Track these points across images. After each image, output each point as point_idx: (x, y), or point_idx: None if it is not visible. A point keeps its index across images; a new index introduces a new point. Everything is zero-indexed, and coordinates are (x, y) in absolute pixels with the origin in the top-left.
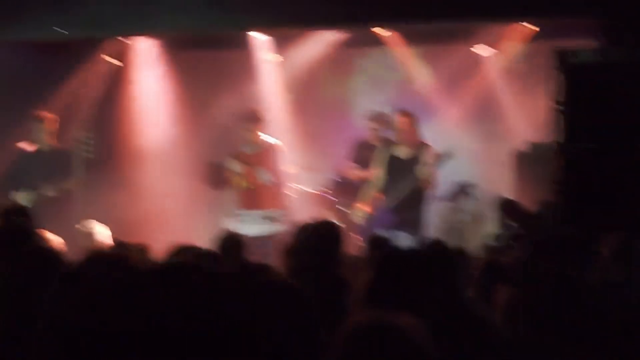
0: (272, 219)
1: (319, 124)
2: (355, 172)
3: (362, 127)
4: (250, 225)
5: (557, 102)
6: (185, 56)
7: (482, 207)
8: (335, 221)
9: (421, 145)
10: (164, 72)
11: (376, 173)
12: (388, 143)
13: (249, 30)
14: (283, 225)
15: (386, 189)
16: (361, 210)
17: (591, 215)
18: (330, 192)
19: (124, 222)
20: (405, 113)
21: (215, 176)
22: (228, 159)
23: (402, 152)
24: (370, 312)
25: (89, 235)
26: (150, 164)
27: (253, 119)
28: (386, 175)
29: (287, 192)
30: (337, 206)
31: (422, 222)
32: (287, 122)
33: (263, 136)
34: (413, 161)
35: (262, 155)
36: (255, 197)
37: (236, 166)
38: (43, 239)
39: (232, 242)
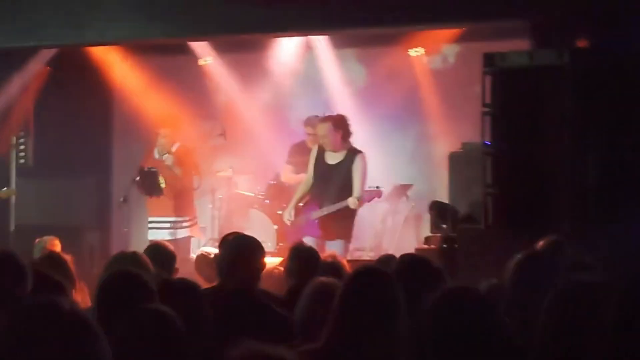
0: (179, 225)
1: (254, 126)
2: (290, 176)
3: (297, 130)
4: (159, 232)
5: (485, 105)
6: (124, 62)
7: (416, 208)
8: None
9: (350, 151)
10: (101, 79)
11: (306, 177)
12: (320, 148)
13: (177, 40)
14: (193, 229)
15: (314, 194)
16: (289, 214)
17: (518, 218)
18: (264, 195)
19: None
20: (326, 119)
21: (147, 183)
22: (156, 165)
23: (331, 157)
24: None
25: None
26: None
27: (168, 124)
28: (314, 180)
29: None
30: (278, 212)
31: (350, 232)
32: (222, 125)
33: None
34: (341, 166)
35: (176, 161)
36: (167, 203)
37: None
38: None
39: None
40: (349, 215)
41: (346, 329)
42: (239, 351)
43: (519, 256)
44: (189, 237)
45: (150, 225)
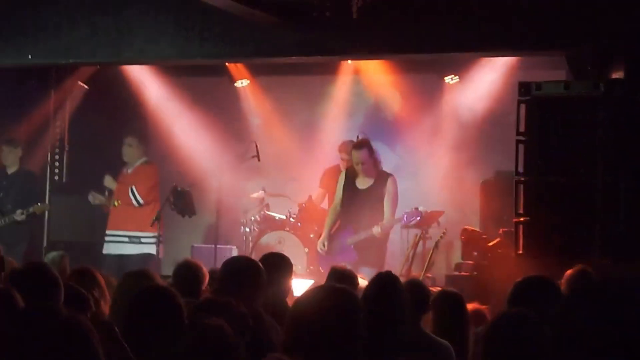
0: (139, 241)
1: (288, 149)
2: (322, 200)
3: (331, 154)
4: (116, 245)
5: (519, 133)
6: (160, 82)
7: (447, 235)
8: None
9: (381, 175)
10: (136, 98)
11: (334, 203)
12: (350, 172)
13: (217, 61)
14: (153, 248)
15: (346, 220)
16: (322, 244)
17: (549, 247)
18: (296, 218)
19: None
20: (360, 145)
21: (180, 202)
22: (106, 176)
23: (361, 182)
24: None
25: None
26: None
27: (134, 135)
28: (345, 205)
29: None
30: (310, 235)
31: (382, 259)
32: (256, 147)
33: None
34: (372, 191)
35: (137, 175)
36: (124, 217)
37: (111, 184)
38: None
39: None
40: (381, 241)
41: None
42: None
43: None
44: (149, 255)
45: (108, 238)
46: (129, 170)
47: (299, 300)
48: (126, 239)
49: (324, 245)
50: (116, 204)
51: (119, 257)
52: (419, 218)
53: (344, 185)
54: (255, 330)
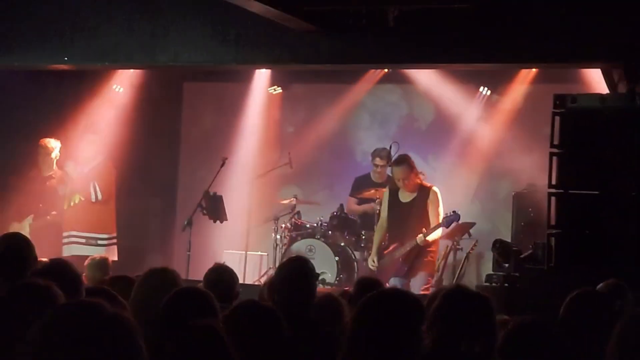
0: (97, 242)
1: (320, 157)
2: (354, 208)
3: (363, 162)
4: (76, 246)
5: (553, 145)
6: (190, 87)
7: (478, 246)
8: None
9: (423, 188)
10: (172, 103)
11: (380, 221)
12: (393, 188)
13: (251, 66)
14: (110, 249)
15: (393, 235)
16: (372, 260)
17: (582, 260)
18: (327, 226)
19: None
20: (400, 161)
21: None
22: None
23: (404, 195)
24: None
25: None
26: (152, 193)
27: (92, 132)
28: (391, 220)
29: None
30: (340, 243)
31: (432, 265)
32: (288, 155)
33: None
34: (415, 203)
35: (95, 173)
36: (82, 217)
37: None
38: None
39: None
40: (429, 250)
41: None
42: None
43: (573, 293)
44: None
45: (66, 240)
46: (86, 170)
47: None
48: (83, 240)
49: (374, 261)
50: (72, 202)
51: (79, 257)
52: (458, 220)
53: (388, 202)
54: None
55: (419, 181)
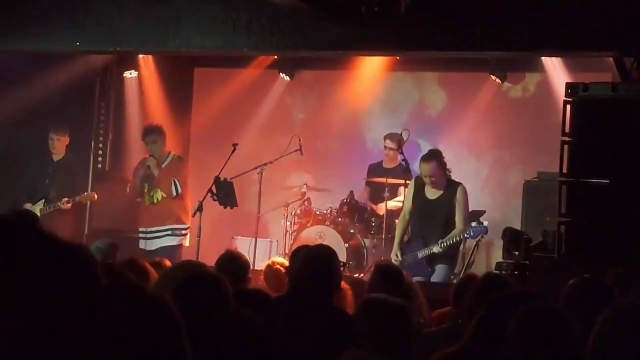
0: (174, 233)
1: (331, 144)
2: (365, 195)
3: (374, 150)
4: (153, 241)
5: (564, 134)
6: (199, 72)
7: (488, 234)
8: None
9: (451, 184)
10: (174, 87)
11: (402, 212)
12: (419, 180)
13: (262, 53)
14: (184, 238)
15: (417, 231)
16: (395, 254)
17: (592, 249)
18: (338, 213)
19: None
20: (429, 157)
21: (223, 193)
22: (136, 179)
23: (430, 192)
24: None
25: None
26: None
27: (155, 132)
28: (415, 215)
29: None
30: (350, 230)
31: (455, 257)
32: (299, 141)
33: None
34: (442, 201)
35: (169, 169)
36: (158, 212)
37: (142, 182)
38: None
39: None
40: (454, 245)
41: None
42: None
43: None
44: (180, 245)
45: (144, 235)
46: (163, 165)
47: None
48: (169, 232)
49: (397, 256)
50: (155, 200)
51: (158, 250)
52: (486, 233)
53: (413, 195)
54: None
55: (447, 178)
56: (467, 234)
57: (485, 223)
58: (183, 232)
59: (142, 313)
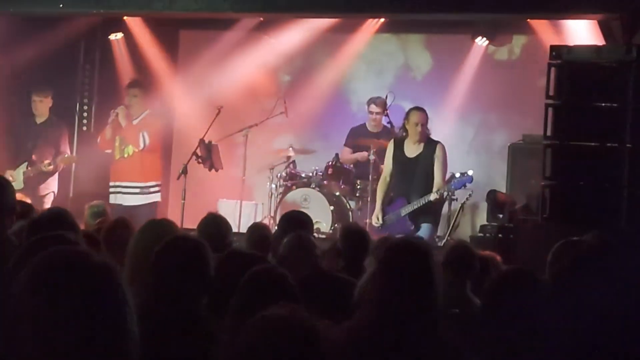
0: (147, 190)
1: (316, 107)
2: (348, 158)
3: (358, 113)
4: (125, 197)
5: (549, 97)
6: (181, 35)
7: (473, 197)
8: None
9: (430, 142)
10: (159, 50)
11: (383, 174)
12: (398, 141)
13: (247, 15)
14: (157, 196)
15: (398, 190)
16: (377, 217)
17: (575, 212)
18: (323, 175)
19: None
20: (420, 107)
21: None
22: (107, 128)
23: (410, 150)
24: None
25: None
26: None
27: (138, 85)
28: (395, 175)
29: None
30: (335, 193)
31: (438, 217)
32: (284, 104)
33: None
34: (421, 158)
35: (141, 125)
36: (129, 167)
37: (113, 134)
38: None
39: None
40: (436, 204)
41: (385, 303)
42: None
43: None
44: (156, 202)
45: (115, 190)
46: (136, 121)
47: None
48: (137, 190)
49: (378, 218)
50: (126, 154)
51: (129, 207)
52: (470, 182)
53: (392, 156)
54: None
55: (427, 135)
56: (453, 185)
57: (470, 172)
58: (153, 189)
59: (82, 280)
